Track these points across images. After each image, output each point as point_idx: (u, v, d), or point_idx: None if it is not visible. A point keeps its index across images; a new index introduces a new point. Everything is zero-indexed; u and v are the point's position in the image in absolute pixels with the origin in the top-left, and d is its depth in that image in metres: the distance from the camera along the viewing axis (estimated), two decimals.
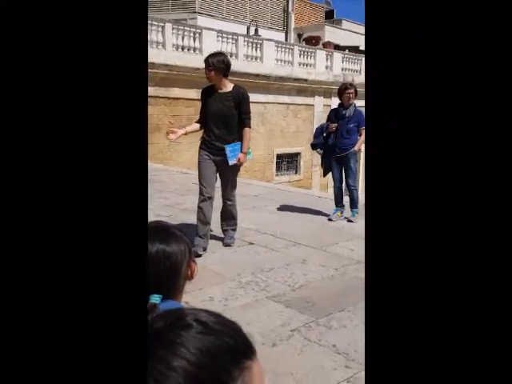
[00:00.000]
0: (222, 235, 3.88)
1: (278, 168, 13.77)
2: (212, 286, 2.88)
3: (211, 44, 11.81)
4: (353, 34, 20.76)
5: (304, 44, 16.19)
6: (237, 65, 12.14)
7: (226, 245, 3.79)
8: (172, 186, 6.53)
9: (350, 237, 4.16)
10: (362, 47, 18.80)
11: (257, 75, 12.62)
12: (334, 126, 4.67)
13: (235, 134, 3.58)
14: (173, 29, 11.12)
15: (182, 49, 11.35)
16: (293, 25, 19.75)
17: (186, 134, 3.61)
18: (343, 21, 22.08)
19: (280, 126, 13.24)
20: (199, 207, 3.70)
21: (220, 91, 3.56)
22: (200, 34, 11.69)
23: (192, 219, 4.57)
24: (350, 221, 4.74)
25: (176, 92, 10.99)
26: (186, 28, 11.59)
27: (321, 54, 14.99)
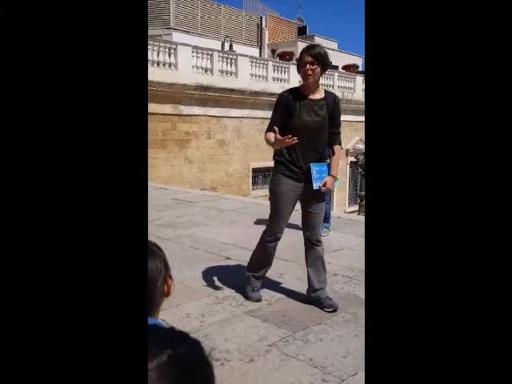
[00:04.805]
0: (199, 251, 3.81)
1: (254, 182, 13.79)
2: (189, 302, 2.85)
3: (186, 59, 11.86)
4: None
5: (278, 59, 16.41)
6: (212, 80, 12.21)
7: (334, 309, 2.74)
8: (148, 201, 6.47)
9: (326, 250, 4.17)
10: (334, 63, 19.18)
11: (232, 90, 12.70)
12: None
13: (324, 152, 2.78)
14: (148, 44, 11.14)
15: (158, 64, 11.35)
16: (267, 40, 20.05)
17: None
18: (315, 37, 22.53)
19: (255, 141, 13.32)
20: (266, 247, 2.86)
21: (312, 97, 2.67)
22: (175, 49, 11.73)
23: (168, 234, 4.53)
24: None
25: (152, 107, 10.96)
26: (162, 44, 11.62)
27: (294, 69, 15.11)
